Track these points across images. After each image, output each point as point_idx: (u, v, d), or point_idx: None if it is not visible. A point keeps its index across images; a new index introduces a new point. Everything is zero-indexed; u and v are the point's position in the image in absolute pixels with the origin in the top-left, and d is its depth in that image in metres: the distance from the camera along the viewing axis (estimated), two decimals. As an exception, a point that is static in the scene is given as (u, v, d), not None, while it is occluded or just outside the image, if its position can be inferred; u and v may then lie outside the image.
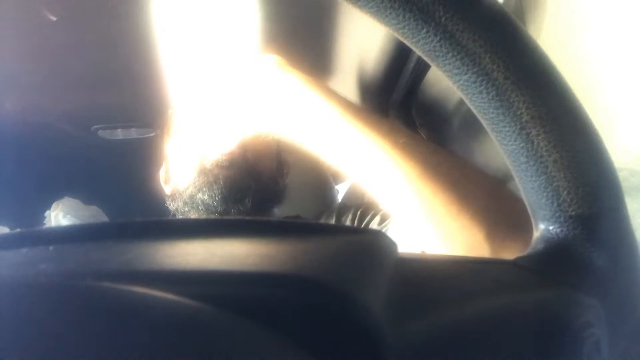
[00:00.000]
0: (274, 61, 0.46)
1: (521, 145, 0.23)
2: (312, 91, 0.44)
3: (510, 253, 0.29)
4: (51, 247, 0.14)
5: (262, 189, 0.70)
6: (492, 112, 0.24)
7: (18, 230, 0.16)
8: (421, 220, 0.40)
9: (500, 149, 0.25)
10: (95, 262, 0.14)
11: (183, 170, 0.70)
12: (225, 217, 0.63)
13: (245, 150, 0.69)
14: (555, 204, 0.24)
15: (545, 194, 0.24)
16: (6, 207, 0.99)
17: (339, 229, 0.18)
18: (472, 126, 0.64)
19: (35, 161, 1.01)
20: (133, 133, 1.06)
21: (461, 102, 0.66)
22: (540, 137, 0.23)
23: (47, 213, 0.97)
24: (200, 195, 0.67)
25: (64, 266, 0.13)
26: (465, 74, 0.23)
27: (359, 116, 0.42)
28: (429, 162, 0.40)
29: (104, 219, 1.03)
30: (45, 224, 0.96)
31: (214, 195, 0.66)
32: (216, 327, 0.12)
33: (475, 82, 0.23)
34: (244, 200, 0.67)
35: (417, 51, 0.24)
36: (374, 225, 0.71)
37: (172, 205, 0.73)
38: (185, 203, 0.69)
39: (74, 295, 0.12)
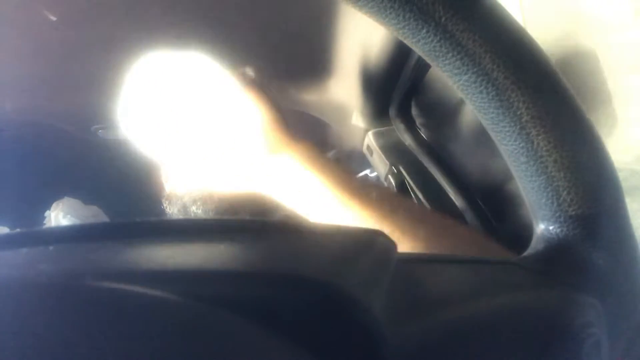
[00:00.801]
0: (265, 133, 0.45)
1: (521, 145, 0.23)
2: (306, 171, 0.43)
3: None
4: (51, 247, 0.14)
5: None
6: (492, 112, 0.23)
7: (18, 230, 0.16)
8: None
9: (500, 149, 0.25)
10: (95, 262, 0.14)
11: (181, 176, 0.70)
12: (225, 218, 0.62)
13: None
14: (555, 204, 0.24)
15: (545, 194, 0.24)
16: (6, 207, 0.99)
17: (339, 229, 0.18)
18: (472, 126, 0.64)
19: (35, 161, 1.01)
20: (133, 133, 1.06)
21: (461, 102, 0.66)
22: (540, 137, 0.23)
23: (47, 213, 0.97)
24: (194, 208, 0.67)
25: (64, 266, 0.13)
26: (465, 74, 0.23)
27: (355, 198, 0.41)
28: (415, 234, 0.39)
29: (104, 219, 1.03)
30: (45, 224, 0.96)
31: (207, 210, 0.66)
32: (216, 328, 0.12)
33: (475, 82, 0.23)
34: (240, 213, 0.67)
35: (417, 51, 0.24)
36: None
37: (168, 208, 0.73)
38: (179, 211, 0.69)
39: (74, 295, 0.12)
